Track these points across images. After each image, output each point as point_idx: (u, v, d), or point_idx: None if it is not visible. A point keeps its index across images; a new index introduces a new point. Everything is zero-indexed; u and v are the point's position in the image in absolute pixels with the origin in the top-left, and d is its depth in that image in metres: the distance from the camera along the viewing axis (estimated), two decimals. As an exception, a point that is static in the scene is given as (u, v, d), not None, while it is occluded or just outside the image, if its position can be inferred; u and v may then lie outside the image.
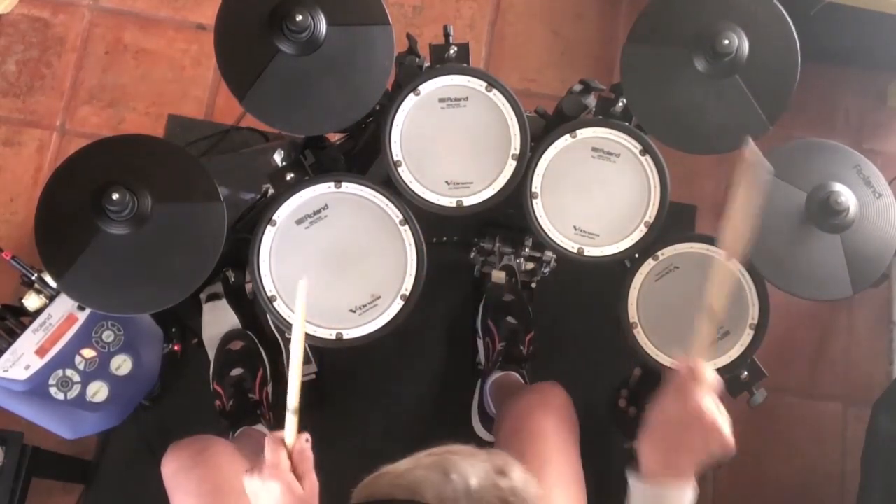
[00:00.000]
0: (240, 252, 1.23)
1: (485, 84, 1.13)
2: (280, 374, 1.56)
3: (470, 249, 1.56)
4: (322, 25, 1.07)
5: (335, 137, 1.37)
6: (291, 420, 0.90)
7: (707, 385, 0.90)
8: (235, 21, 1.08)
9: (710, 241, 1.19)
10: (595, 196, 1.17)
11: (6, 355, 1.23)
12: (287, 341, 1.55)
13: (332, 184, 1.13)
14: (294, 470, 0.89)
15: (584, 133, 1.16)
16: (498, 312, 1.57)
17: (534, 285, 1.65)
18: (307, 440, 0.91)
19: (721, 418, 0.89)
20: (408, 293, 1.14)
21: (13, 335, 1.24)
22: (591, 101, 1.21)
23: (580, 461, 1.18)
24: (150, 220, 1.09)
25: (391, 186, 1.14)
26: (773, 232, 1.16)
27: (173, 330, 1.54)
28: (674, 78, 1.12)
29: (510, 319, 1.55)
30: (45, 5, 1.83)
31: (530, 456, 1.13)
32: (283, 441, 0.90)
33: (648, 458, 0.91)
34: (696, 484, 0.91)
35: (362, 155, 1.29)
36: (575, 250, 1.18)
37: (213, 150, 1.75)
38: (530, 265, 1.57)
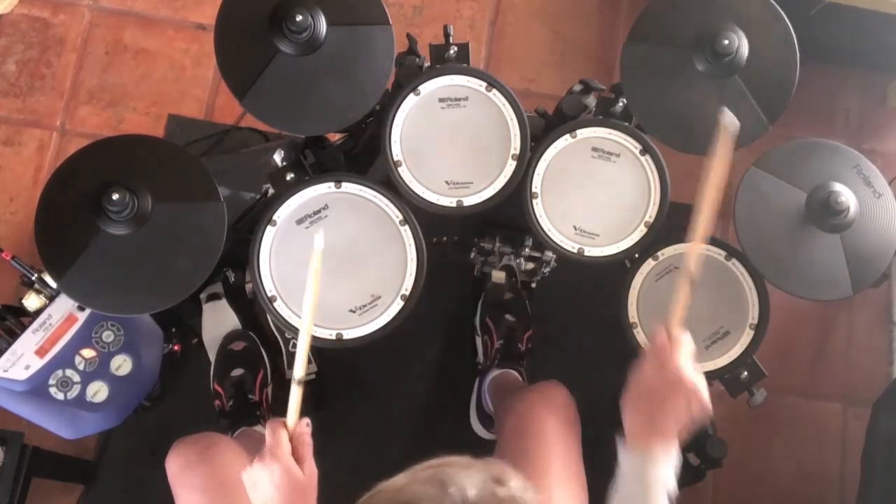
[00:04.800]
0: (240, 252, 1.23)
1: (485, 84, 1.13)
2: (280, 375, 1.57)
3: (470, 249, 1.56)
4: (322, 25, 1.07)
5: (335, 137, 1.37)
6: (296, 393, 0.91)
7: (685, 349, 0.94)
8: (235, 21, 1.08)
9: (710, 241, 1.19)
10: (595, 196, 1.17)
11: (6, 355, 1.23)
12: (287, 341, 1.55)
13: (332, 184, 1.13)
14: (293, 454, 0.90)
15: (584, 133, 1.16)
16: (497, 310, 1.57)
17: (534, 285, 1.65)
18: (307, 424, 0.92)
19: (700, 381, 0.93)
20: (408, 293, 1.14)
21: (13, 335, 1.24)
22: (591, 101, 1.21)
23: (582, 460, 1.18)
24: (150, 220, 1.09)
25: (391, 186, 1.14)
26: (773, 232, 1.16)
27: (173, 330, 1.54)
28: (674, 78, 1.12)
29: (509, 317, 1.55)
30: (45, 5, 1.83)
31: (533, 455, 1.13)
32: (283, 424, 0.91)
33: (632, 423, 0.95)
34: (679, 450, 0.94)
35: (362, 155, 1.29)
36: (575, 250, 1.18)
37: (213, 150, 1.74)
38: (530, 265, 1.57)
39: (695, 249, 0.96)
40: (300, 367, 0.91)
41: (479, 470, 0.70)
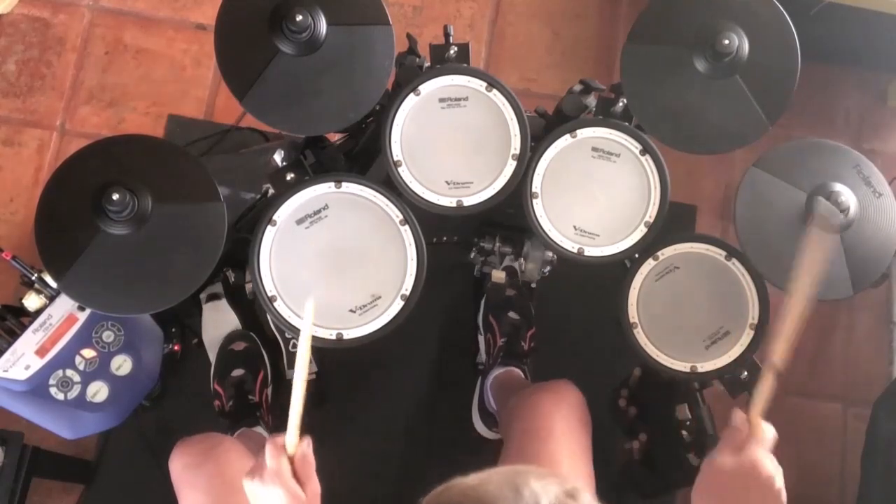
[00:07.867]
0: (240, 252, 1.23)
1: (485, 84, 1.13)
2: (280, 375, 1.56)
3: (470, 249, 1.56)
4: (322, 25, 1.07)
5: (335, 137, 1.37)
6: (293, 429, 0.89)
7: (765, 440, 0.91)
8: (235, 21, 1.08)
9: (710, 241, 1.19)
10: (595, 196, 1.17)
11: (6, 355, 1.23)
12: (287, 341, 1.55)
13: (332, 184, 1.13)
14: (296, 475, 0.88)
15: (584, 133, 1.16)
16: (499, 308, 1.57)
17: (534, 285, 1.65)
18: (308, 444, 0.90)
19: (779, 476, 0.89)
20: (408, 293, 1.14)
21: (13, 335, 1.24)
22: (591, 101, 1.21)
23: (591, 461, 1.18)
24: (150, 220, 1.09)
25: (391, 186, 1.14)
26: (773, 232, 1.16)
27: (173, 330, 1.54)
28: (674, 78, 1.12)
29: (512, 315, 1.55)
30: (45, 5, 1.83)
31: (543, 456, 1.13)
32: (283, 447, 0.89)
33: None
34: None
35: (362, 155, 1.29)
36: (575, 250, 1.18)
37: (213, 150, 1.75)
38: (531, 265, 1.57)
39: (782, 342, 0.91)
40: (296, 409, 0.87)
41: (554, 483, 0.70)
